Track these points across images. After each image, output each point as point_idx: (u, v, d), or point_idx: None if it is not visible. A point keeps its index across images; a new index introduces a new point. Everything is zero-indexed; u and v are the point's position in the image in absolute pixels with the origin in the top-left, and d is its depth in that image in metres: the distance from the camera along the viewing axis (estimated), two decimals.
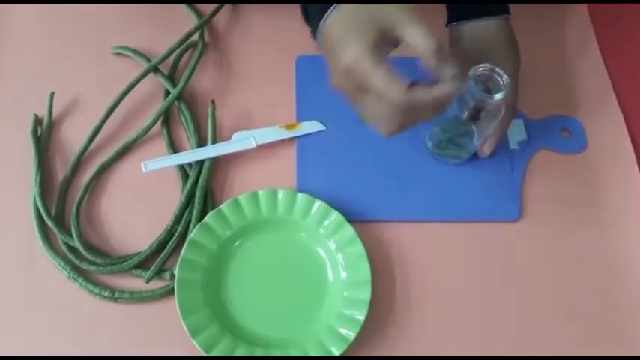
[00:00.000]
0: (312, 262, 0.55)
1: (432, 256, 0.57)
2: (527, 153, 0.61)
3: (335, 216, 0.55)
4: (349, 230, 0.54)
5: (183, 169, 0.59)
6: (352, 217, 0.55)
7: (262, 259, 0.55)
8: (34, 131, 0.59)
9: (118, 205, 0.58)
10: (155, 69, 0.62)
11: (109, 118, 0.60)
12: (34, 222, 0.55)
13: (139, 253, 0.54)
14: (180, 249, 0.53)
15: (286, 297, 0.54)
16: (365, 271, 0.53)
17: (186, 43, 0.64)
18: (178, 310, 0.50)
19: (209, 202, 0.57)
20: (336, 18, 0.44)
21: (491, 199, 0.59)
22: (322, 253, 0.55)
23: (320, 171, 0.59)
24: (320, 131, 0.61)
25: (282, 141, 0.60)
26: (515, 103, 0.58)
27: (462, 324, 0.54)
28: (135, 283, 0.54)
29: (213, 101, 0.60)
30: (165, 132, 0.61)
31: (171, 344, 0.52)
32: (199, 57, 0.63)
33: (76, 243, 0.54)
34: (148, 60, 0.63)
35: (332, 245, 0.55)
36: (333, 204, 0.55)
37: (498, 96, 0.48)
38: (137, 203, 0.58)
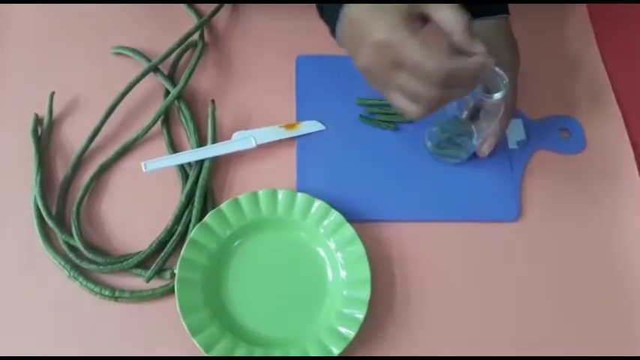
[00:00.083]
0: (312, 261, 0.55)
1: (431, 255, 0.57)
2: (526, 153, 0.61)
3: (335, 216, 0.55)
4: (349, 230, 0.54)
5: (183, 169, 0.59)
6: (352, 217, 0.55)
7: (262, 259, 0.55)
8: (35, 131, 0.59)
9: (119, 205, 0.58)
10: (155, 69, 0.62)
11: (109, 118, 0.60)
12: (34, 221, 0.56)
13: (139, 252, 0.55)
14: (181, 248, 0.53)
15: (286, 296, 0.54)
16: (364, 270, 0.53)
17: (186, 42, 0.64)
18: (178, 310, 0.51)
19: (209, 202, 0.57)
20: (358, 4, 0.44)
21: (491, 199, 0.59)
22: (322, 252, 0.55)
23: (320, 170, 0.59)
24: (320, 131, 0.61)
25: (282, 141, 0.61)
26: (514, 102, 0.58)
27: (462, 323, 0.54)
28: (135, 282, 0.54)
29: (213, 101, 0.60)
30: (165, 132, 0.61)
31: (171, 343, 0.52)
32: (199, 57, 0.63)
33: (77, 242, 0.54)
34: (148, 60, 0.63)
35: (332, 245, 0.55)
36: (333, 204, 0.55)
37: (498, 96, 0.48)
38: (137, 203, 0.58)
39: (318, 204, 0.55)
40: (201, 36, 0.65)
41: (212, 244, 0.54)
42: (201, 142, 0.60)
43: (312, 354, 0.50)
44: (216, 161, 0.59)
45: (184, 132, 0.62)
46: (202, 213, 0.56)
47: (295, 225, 0.56)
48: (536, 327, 0.54)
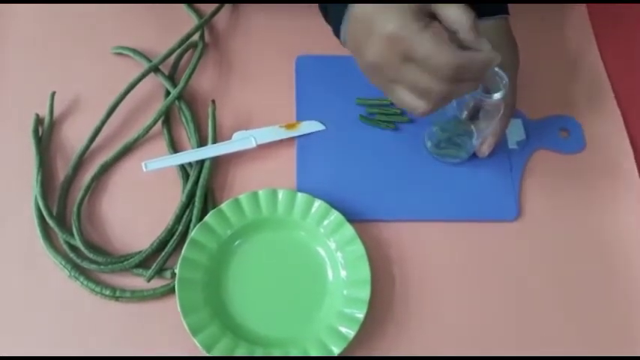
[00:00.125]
0: (312, 261, 0.55)
1: (431, 255, 0.57)
2: (525, 153, 0.61)
3: (335, 215, 0.55)
4: (349, 230, 0.54)
5: (183, 169, 0.59)
6: (352, 217, 0.55)
7: (262, 259, 0.55)
8: (35, 131, 0.59)
9: (119, 205, 0.58)
10: (155, 69, 0.62)
11: (110, 118, 0.60)
12: (35, 221, 0.56)
13: (139, 252, 0.55)
14: (181, 248, 0.53)
15: (286, 296, 0.54)
16: (364, 270, 0.53)
17: (187, 43, 0.64)
18: (179, 309, 0.51)
19: (209, 202, 0.57)
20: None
21: (490, 199, 0.59)
22: (322, 252, 0.56)
23: (320, 170, 0.59)
24: (320, 131, 0.61)
25: (282, 140, 0.61)
26: (514, 102, 0.58)
27: (461, 323, 0.54)
28: (136, 282, 0.54)
29: (213, 101, 0.60)
30: (165, 132, 0.61)
31: (171, 343, 0.52)
32: (200, 57, 0.63)
33: (77, 242, 0.54)
34: (149, 60, 0.63)
35: (332, 244, 0.55)
36: (333, 203, 0.56)
37: (497, 96, 0.48)
38: (138, 202, 0.58)
39: (318, 204, 0.55)
40: (202, 36, 0.65)
41: (212, 243, 0.54)
42: (201, 142, 0.60)
43: (313, 354, 0.50)
44: (216, 161, 0.59)
45: (185, 132, 0.62)
46: (203, 213, 0.56)
47: (295, 225, 0.56)
48: (536, 327, 0.54)
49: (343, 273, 0.54)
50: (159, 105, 0.61)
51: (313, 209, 0.56)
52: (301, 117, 0.62)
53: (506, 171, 0.60)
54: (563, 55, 0.68)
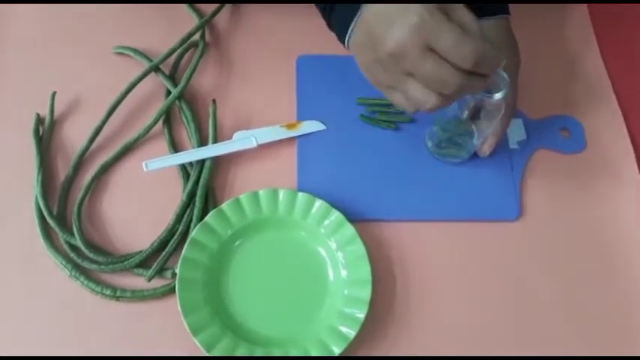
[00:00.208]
0: (313, 261, 0.55)
1: (431, 255, 0.57)
2: (526, 152, 0.61)
3: (335, 215, 0.55)
4: (349, 229, 0.54)
5: (184, 169, 0.59)
6: (352, 217, 0.55)
7: (263, 259, 0.55)
8: (36, 131, 0.59)
9: (120, 204, 0.58)
10: (156, 69, 0.62)
11: (111, 118, 0.60)
12: (35, 221, 0.56)
13: (140, 252, 0.55)
14: (182, 248, 0.53)
15: (287, 296, 0.54)
16: (365, 270, 0.53)
17: (187, 42, 0.64)
18: (179, 309, 0.51)
19: (210, 202, 0.57)
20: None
21: (491, 199, 0.59)
22: (323, 252, 0.56)
23: (320, 170, 0.59)
24: (320, 131, 0.61)
25: (283, 140, 0.61)
26: (515, 102, 0.58)
27: (462, 323, 0.54)
28: (136, 281, 0.54)
29: (214, 101, 0.60)
30: (166, 131, 0.61)
31: (172, 343, 0.52)
32: (200, 57, 0.63)
33: (78, 242, 0.54)
34: (149, 60, 0.63)
35: (332, 244, 0.55)
36: (334, 203, 0.56)
37: (498, 95, 0.48)
38: (138, 202, 0.58)
39: (318, 204, 0.55)
40: (202, 36, 0.65)
41: (213, 243, 0.54)
42: (202, 142, 0.60)
43: (313, 354, 0.50)
44: (217, 161, 0.59)
45: (185, 132, 0.62)
46: (203, 212, 0.56)
47: (296, 225, 0.56)
48: (537, 327, 0.54)
49: (344, 273, 0.54)
50: (159, 105, 0.61)
51: (314, 209, 0.56)
52: (302, 117, 0.62)
53: (507, 171, 0.60)
54: (564, 54, 0.68)
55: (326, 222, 0.55)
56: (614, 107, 0.64)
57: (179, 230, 0.55)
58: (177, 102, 0.62)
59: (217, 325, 0.51)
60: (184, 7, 0.67)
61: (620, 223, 0.59)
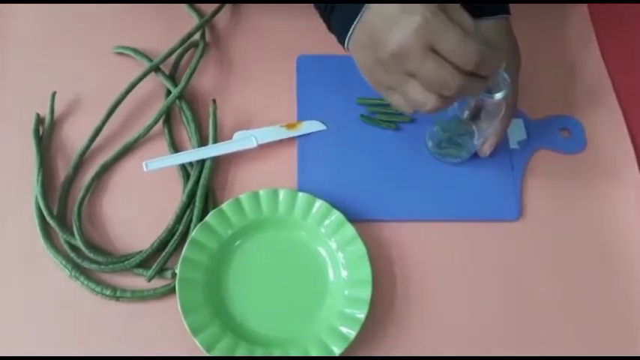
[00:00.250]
0: (313, 261, 0.55)
1: (432, 255, 0.57)
2: (527, 152, 0.61)
3: (336, 215, 0.55)
4: (350, 230, 0.54)
5: (184, 169, 0.59)
6: (353, 217, 0.55)
7: (263, 259, 0.55)
8: (36, 131, 0.59)
9: (120, 204, 0.58)
10: (156, 68, 0.62)
11: (111, 118, 0.60)
12: (35, 221, 0.56)
13: (140, 252, 0.55)
14: (182, 248, 0.53)
15: (287, 296, 0.54)
16: (365, 270, 0.53)
17: (188, 42, 0.64)
18: (179, 309, 0.51)
19: (210, 202, 0.57)
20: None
21: (491, 199, 0.59)
22: (323, 252, 0.56)
23: (321, 170, 0.59)
24: (321, 130, 0.61)
25: (283, 140, 0.61)
26: (515, 102, 0.58)
27: (462, 323, 0.54)
28: (136, 282, 0.54)
29: (214, 101, 0.60)
30: (166, 131, 0.61)
31: (172, 343, 0.52)
32: (200, 56, 0.63)
33: (78, 242, 0.54)
34: (149, 60, 0.63)
35: (333, 244, 0.55)
36: (334, 203, 0.55)
37: (499, 95, 0.48)
38: (138, 202, 0.58)
39: (319, 204, 0.55)
40: (203, 36, 0.65)
41: (213, 243, 0.54)
42: (202, 142, 0.60)
43: (313, 354, 0.50)
44: (217, 161, 0.59)
45: (185, 132, 0.62)
46: (203, 213, 0.56)
47: (296, 225, 0.56)
48: (537, 327, 0.54)
49: (344, 273, 0.54)
50: (159, 105, 0.61)
51: (314, 209, 0.56)
52: (302, 117, 0.62)
53: (507, 171, 0.60)
54: (564, 55, 0.68)
55: (326, 222, 0.55)
56: (615, 107, 0.64)
57: (179, 230, 0.55)
58: (177, 102, 0.62)
59: (217, 325, 0.51)
60: (184, 7, 0.67)
61: (621, 223, 0.59)
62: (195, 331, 0.50)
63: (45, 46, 0.65)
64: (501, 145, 0.60)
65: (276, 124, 0.61)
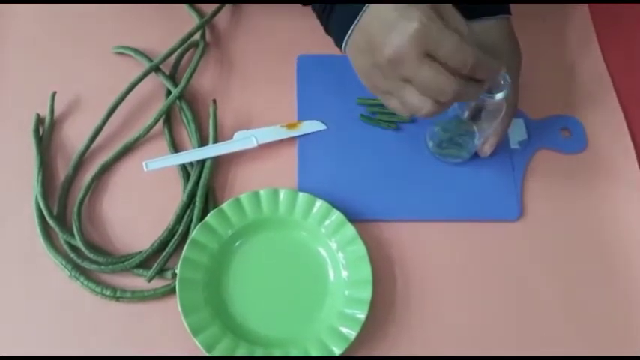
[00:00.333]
0: (313, 261, 0.55)
1: (432, 255, 0.57)
2: (527, 152, 0.61)
3: (336, 215, 0.55)
4: (350, 230, 0.54)
5: (184, 169, 0.59)
6: (353, 217, 0.55)
7: (263, 259, 0.55)
8: (36, 131, 0.59)
9: (120, 205, 0.58)
10: (156, 69, 0.62)
11: (111, 118, 0.60)
12: (35, 221, 0.56)
13: (140, 252, 0.55)
14: (182, 248, 0.53)
15: (287, 296, 0.54)
16: (366, 270, 0.53)
17: (188, 42, 0.64)
18: (180, 310, 0.51)
19: (210, 202, 0.57)
20: (380, 4, 0.44)
21: (492, 199, 0.59)
22: (323, 252, 0.56)
23: (321, 170, 0.59)
24: (321, 131, 0.61)
25: (284, 140, 0.61)
26: (516, 102, 0.58)
27: (462, 323, 0.54)
28: (136, 282, 0.54)
29: (214, 101, 0.60)
30: (166, 131, 0.61)
31: (172, 343, 0.52)
32: (200, 57, 0.63)
33: (78, 242, 0.54)
34: (150, 60, 0.63)
35: (333, 245, 0.55)
36: (335, 203, 0.55)
37: (499, 95, 0.48)
38: (139, 202, 0.58)
39: (319, 204, 0.55)
40: (203, 36, 0.65)
41: (213, 243, 0.54)
42: (202, 142, 0.60)
43: (314, 354, 0.50)
44: (217, 161, 0.59)
45: (186, 132, 0.62)
46: (204, 213, 0.56)
47: (296, 225, 0.56)
48: (537, 327, 0.54)
49: (344, 273, 0.54)
50: (160, 105, 0.61)
51: (314, 209, 0.56)
52: (302, 117, 0.62)
53: (508, 171, 0.60)
54: (565, 55, 0.68)
55: (326, 222, 0.55)
56: (615, 107, 0.64)
57: (179, 230, 0.55)
58: (177, 102, 0.62)
59: (217, 326, 0.51)
60: (184, 7, 0.67)
61: (621, 223, 0.59)
62: (196, 331, 0.50)
63: (45, 46, 0.65)
64: (502, 145, 0.60)
65: (277, 124, 0.61)
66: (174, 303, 0.51)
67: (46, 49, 0.65)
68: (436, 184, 0.59)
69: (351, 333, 0.51)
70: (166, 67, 0.64)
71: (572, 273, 0.57)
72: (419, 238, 0.57)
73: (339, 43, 0.50)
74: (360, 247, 0.54)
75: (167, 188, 0.58)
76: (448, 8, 0.44)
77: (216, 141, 0.59)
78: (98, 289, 0.53)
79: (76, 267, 0.54)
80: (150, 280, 0.53)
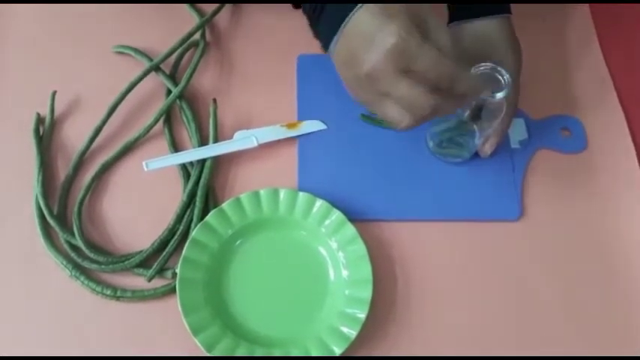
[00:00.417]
0: (314, 261, 0.55)
1: (432, 255, 0.57)
2: (528, 152, 0.61)
3: (336, 215, 0.55)
4: (350, 229, 0.54)
5: (184, 168, 0.59)
6: (353, 216, 0.55)
7: (263, 258, 0.55)
8: (36, 130, 0.59)
9: (120, 204, 0.58)
10: (157, 68, 0.62)
11: (111, 117, 0.60)
12: (36, 220, 0.56)
13: (140, 251, 0.55)
14: (182, 248, 0.53)
15: (287, 296, 0.54)
16: (366, 269, 0.53)
17: (188, 42, 0.64)
18: (180, 309, 0.51)
19: (210, 201, 0.57)
20: (365, 11, 0.44)
21: (492, 198, 0.59)
22: (323, 252, 0.55)
23: (321, 170, 0.59)
24: (321, 130, 0.61)
25: (284, 140, 0.61)
26: (516, 102, 0.58)
27: (462, 323, 0.54)
28: (137, 281, 0.54)
29: (214, 100, 0.60)
30: (166, 131, 0.61)
31: (172, 343, 0.52)
32: (201, 56, 0.63)
33: (78, 242, 0.54)
34: (150, 59, 0.63)
35: (333, 244, 0.55)
36: (335, 203, 0.55)
37: (500, 95, 0.48)
38: (139, 202, 0.58)
39: (319, 203, 0.55)
40: (203, 35, 0.65)
41: (214, 243, 0.54)
42: (202, 142, 0.60)
43: (314, 354, 0.50)
44: (217, 160, 0.59)
45: (186, 131, 0.62)
46: (204, 212, 0.56)
47: (297, 224, 0.56)
48: (537, 327, 0.54)
49: (345, 273, 0.54)
50: (160, 104, 0.61)
51: (314, 209, 0.56)
52: (302, 116, 0.62)
53: (508, 170, 0.60)
54: (566, 54, 0.68)
55: (327, 222, 0.55)
56: (616, 107, 0.64)
57: (179, 230, 0.55)
58: (177, 101, 0.62)
59: (218, 325, 0.51)
60: (185, 6, 0.67)
61: (621, 223, 0.59)
62: (196, 331, 0.50)
63: (45, 46, 0.65)
64: (502, 145, 0.60)
65: (277, 123, 0.61)
66: (175, 303, 0.51)
67: (46, 49, 0.65)
68: (436, 183, 0.59)
69: (352, 333, 0.51)
70: (166, 67, 0.64)
71: (572, 273, 0.57)
72: (419, 237, 0.57)
73: (325, 48, 0.50)
74: (360, 247, 0.54)
75: (167, 188, 0.58)
76: (431, 18, 0.44)
77: (216, 140, 0.59)
78: (98, 288, 0.53)
79: (77, 267, 0.54)
80: (150, 280, 0.53)
